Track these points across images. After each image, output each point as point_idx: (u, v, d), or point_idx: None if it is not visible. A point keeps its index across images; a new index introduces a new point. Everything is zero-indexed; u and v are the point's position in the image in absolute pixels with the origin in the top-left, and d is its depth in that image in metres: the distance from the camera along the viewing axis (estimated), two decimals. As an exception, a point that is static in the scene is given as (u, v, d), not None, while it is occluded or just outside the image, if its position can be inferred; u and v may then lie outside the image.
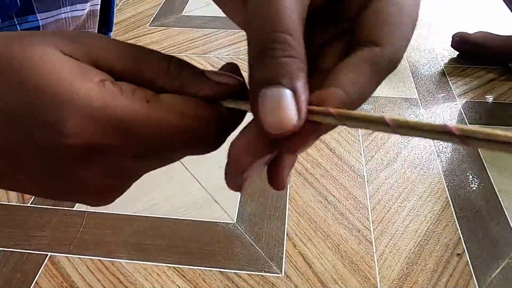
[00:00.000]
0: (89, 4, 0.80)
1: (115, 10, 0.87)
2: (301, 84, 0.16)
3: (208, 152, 0.20)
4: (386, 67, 0.17)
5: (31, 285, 0.55)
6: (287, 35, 0.16)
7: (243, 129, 0.18)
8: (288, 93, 0.15)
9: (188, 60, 0.22)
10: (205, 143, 0.19)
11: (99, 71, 0.18)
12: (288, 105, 0.15)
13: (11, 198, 0.67)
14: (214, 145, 0.20)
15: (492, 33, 0.99)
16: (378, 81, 0.17)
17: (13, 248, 0.60)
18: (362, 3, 0.17)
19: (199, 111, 0.18)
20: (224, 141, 0.20)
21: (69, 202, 0.21)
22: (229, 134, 0.20)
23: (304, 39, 0.16)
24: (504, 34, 0.99)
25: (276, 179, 0.20)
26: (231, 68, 0.20)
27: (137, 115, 0.17)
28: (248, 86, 0.18)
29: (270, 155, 0.18)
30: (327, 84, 0.17)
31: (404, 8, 0.17)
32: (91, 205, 0.22)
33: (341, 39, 0.19)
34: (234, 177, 0.18)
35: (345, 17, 0.18)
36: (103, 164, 0.19)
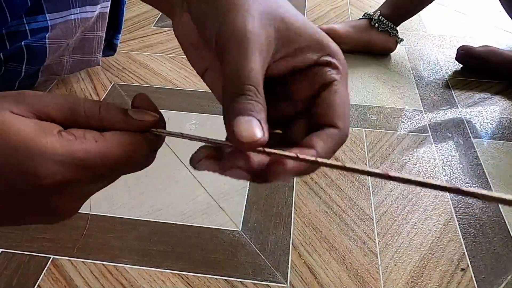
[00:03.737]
0: (99, 6, 0.80)
1: (124, 13, 0.86)
2: (263, 119, 0.22)
3: (142, 169, 0.27)
4: (341, 141, 0.25)
5: (33, 288, 0.55)
6: (254, 87, 0.22)
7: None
8: (255, 120, 0.22)
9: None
10: (140, 163, 0.26)
11: (52, 124, 0.24)
12: (257, 125, 0.22)
13: (13, 198, 0.66)
14: (147, 163, 0.27)
15: (496, 48, 1.00)
16: (335, 150, 0.25)
17: (15, 250, 0.59)
18: (310, 91, 0.25)
19: (133, 140, 0.25)
20: (152, 161, 0.27)
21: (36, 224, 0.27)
22: (156, 152, 0.27)
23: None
24: (508, 50, 1.00)
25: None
26: (144, 100, 0.26)
27: (91, 153, 0.23)
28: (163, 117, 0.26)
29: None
30: (304, 145, 0.24)
31: (344, 97, 0.25)
32: (52, 223, 0.27)
33: (301, 118, 0.26)
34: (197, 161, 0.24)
35: (296, 98, 0.26)
36: (70, 192, 0.24)
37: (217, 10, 0.24)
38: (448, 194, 0.71)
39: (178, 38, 0.29)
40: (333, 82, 0.25)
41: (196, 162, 0.24)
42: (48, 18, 0.68)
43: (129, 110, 0.25)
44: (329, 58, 0.25)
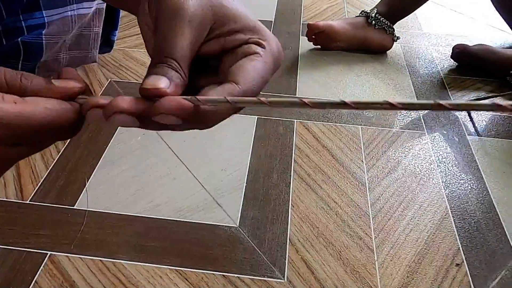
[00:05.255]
0: (95, 2, 0.79)
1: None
2: (176, 82, 0.24)
3: (69, 138, 0.26)
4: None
5: (30, 284, 0.55)
6: (176, 62, 0.24)
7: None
8: (165, 78, 0.24)
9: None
10: (65, 129, 0.25)
11: None
12: (164, 80, 0.23)
13: (10, 194, 0.66)
14: (72, 131, 0.26)
15: (491, 47, 1.01)
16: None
17: (11, 246, 0.59)
18: (231, 63, 0.27)
19: (58, 105, 0.24)
20: (79, 129, 0.26)
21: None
22: (82, 123, 0.26)
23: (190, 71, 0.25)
24: (503, 48, 1.01)
25: None
26: (70, 73, 0.26)
27: (9, 112, 0.23)
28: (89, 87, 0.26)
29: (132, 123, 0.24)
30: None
31: (258, 66, 0.26)
32: None
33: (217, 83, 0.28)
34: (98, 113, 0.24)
35: (221, 71, 0.27)
36: None
37: None
38: (443, 190, 0.72)
39: (140, 26, 0.31)
40: (254, 54, 0.26)
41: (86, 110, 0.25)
42: (44, 15, 0.67)
43: (53, 79, 0.25)
44: (258, 39, 0.27)
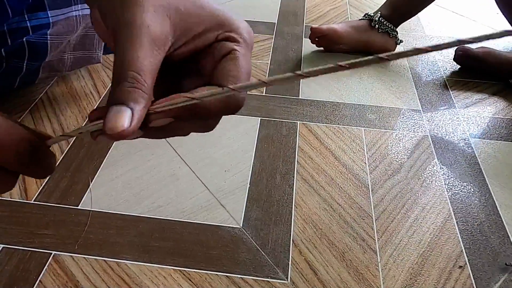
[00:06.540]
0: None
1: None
2: (139, 107, 0.23)
3: (44, 177, 0.26)
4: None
5: (34, 284, 0.55)
6: (136, 74, 0.23)
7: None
8: (127, 110, 0.22)
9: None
10: (36, 169, 0.24)
11: None
12: (126, 116, 0.22)
13: (14, 194, 0.66)
14: (44, 171, 0.25)
15: (494, 49, 1.01)
16: (221, 109, 0.26)
17: (16, 246, 0.59)
18: (213, 64, 0.27)
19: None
20: (52, 171, 0.25)
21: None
22: (53, 163, 0.26)
23: (158, 81, 0.25)
24: (505, 51, 1.02)
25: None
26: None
27: None
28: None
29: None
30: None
31: (240, 62, 0.26)
32: None
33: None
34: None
35: (203, 73, 0.27)
36: None
37: (115, 4, 0.25)
38: (446, 193, 0.72)
39: (95, 30, 0.30)
40: (231, 51, 0.26)
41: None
42: (49, 15, 0.68)
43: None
44: (227, 34, 0.27)
